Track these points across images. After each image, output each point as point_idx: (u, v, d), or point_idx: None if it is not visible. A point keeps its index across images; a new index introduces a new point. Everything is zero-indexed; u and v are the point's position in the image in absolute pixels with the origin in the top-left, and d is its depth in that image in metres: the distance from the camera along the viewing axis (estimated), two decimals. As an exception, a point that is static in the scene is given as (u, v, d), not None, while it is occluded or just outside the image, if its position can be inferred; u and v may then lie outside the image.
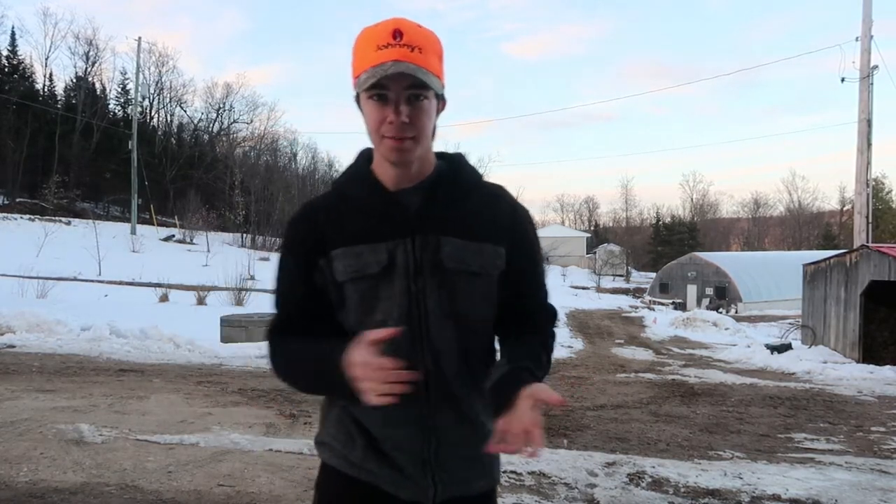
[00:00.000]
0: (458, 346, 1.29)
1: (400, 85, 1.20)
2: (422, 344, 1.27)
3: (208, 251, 27.51)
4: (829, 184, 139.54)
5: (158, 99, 51.37)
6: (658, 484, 4.33)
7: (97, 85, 47.31)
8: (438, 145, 1.36)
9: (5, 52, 41.90)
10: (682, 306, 32.23)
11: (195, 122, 54.27)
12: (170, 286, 16.02)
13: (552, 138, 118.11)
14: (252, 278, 19.32)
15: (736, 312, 31.16)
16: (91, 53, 46.25)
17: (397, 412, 1.20)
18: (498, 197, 1.37)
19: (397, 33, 1.20)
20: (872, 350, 12.09)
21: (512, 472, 4.34)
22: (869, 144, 16.21)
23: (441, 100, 1.30)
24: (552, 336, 1.42)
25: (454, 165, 1.35)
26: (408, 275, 1.27)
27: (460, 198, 1.32)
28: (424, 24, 1.24)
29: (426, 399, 1.27)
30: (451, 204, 1.31)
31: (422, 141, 1.25)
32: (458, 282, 1.29)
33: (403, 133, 1.21)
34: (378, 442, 1.28)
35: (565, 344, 13.20)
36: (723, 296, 34.86)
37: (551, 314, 1.43)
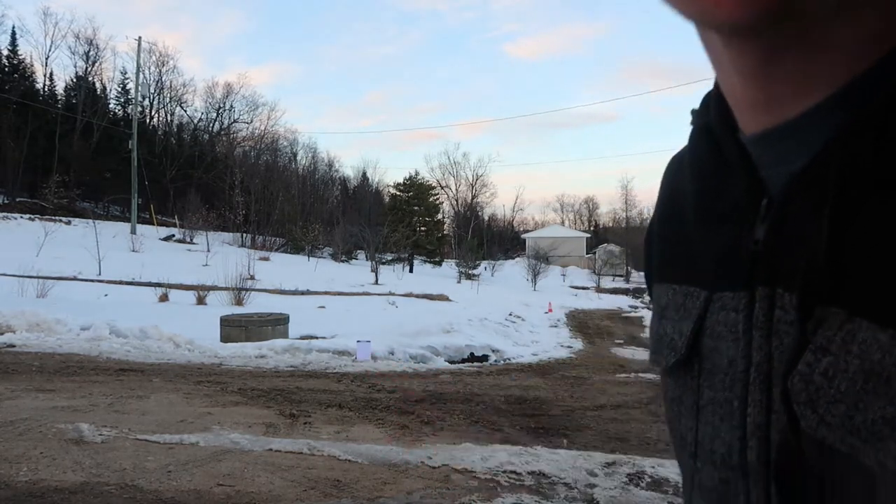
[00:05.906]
0: None
1: None
2: None
3: (208, 251, 27.47)
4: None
5: (158, 99, 51.50)
6: (658, 484, 4.33)
7: (97, 85, 47.38)
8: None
9: (5, 52, 41.93)
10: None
11: (195, 121, 54.39)
12: (170, 286, 15.99)
13: (552, 138, 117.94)
14: (252, 278, 19.31)
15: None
16: (91, 53, 46.31)
17: None
18: None
19: None
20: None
21: (512, 471, 4.34)
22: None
23: None
24: None
25: None
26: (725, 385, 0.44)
27: None
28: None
29: None
30: None
31: None
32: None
33: None
34: None
35: (565, 344, 13.21)
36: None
37: None
